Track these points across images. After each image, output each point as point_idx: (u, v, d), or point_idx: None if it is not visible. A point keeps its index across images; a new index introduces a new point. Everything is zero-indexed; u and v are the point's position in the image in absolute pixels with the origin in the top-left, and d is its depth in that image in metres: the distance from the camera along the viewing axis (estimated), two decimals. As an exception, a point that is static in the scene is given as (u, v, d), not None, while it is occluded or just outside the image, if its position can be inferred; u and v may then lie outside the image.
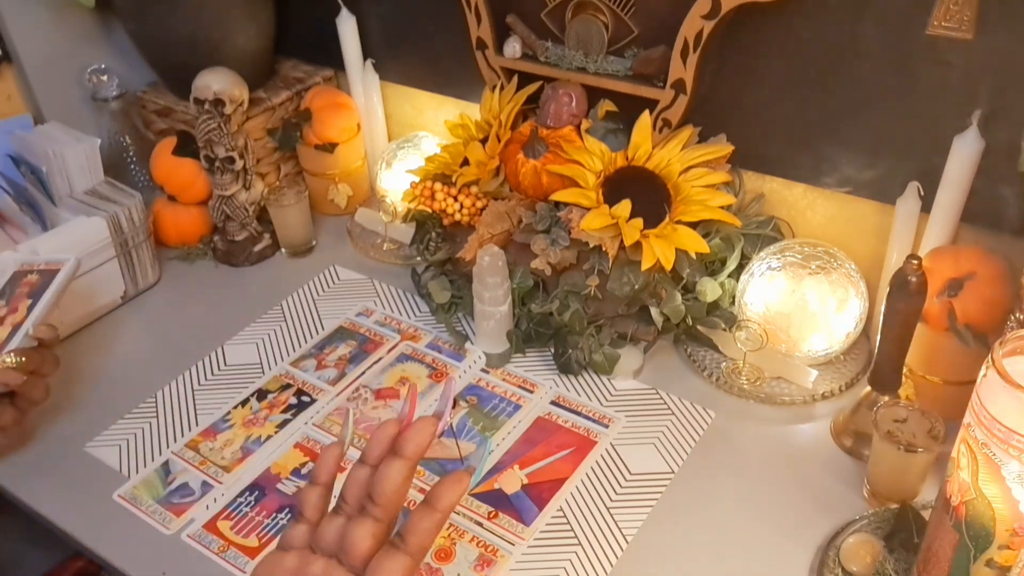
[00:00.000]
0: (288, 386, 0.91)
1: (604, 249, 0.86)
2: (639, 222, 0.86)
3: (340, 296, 1.06)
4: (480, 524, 0.75)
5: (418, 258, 1.05)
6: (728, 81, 0.90)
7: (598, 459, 0.81)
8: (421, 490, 0.78)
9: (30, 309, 0.83)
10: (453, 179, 1.00)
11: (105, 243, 1.00)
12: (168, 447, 0.85)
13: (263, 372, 0.94)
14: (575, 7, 0.94)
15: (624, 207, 0.87)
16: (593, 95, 0.96)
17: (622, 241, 0.86)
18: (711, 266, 0.91)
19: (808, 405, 0.86)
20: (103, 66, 1.16)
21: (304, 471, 0.81)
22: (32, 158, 1.04)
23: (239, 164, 1.07)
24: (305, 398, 0.90)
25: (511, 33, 0.99)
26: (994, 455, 0.52)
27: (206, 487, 0.81)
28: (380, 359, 0.94)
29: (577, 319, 0.89)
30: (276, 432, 0.86)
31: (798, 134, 0.89)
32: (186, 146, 1.10)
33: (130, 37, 1.13)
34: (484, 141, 1.00)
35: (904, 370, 0.77)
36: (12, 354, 0.79)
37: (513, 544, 0.73)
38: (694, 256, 0.87)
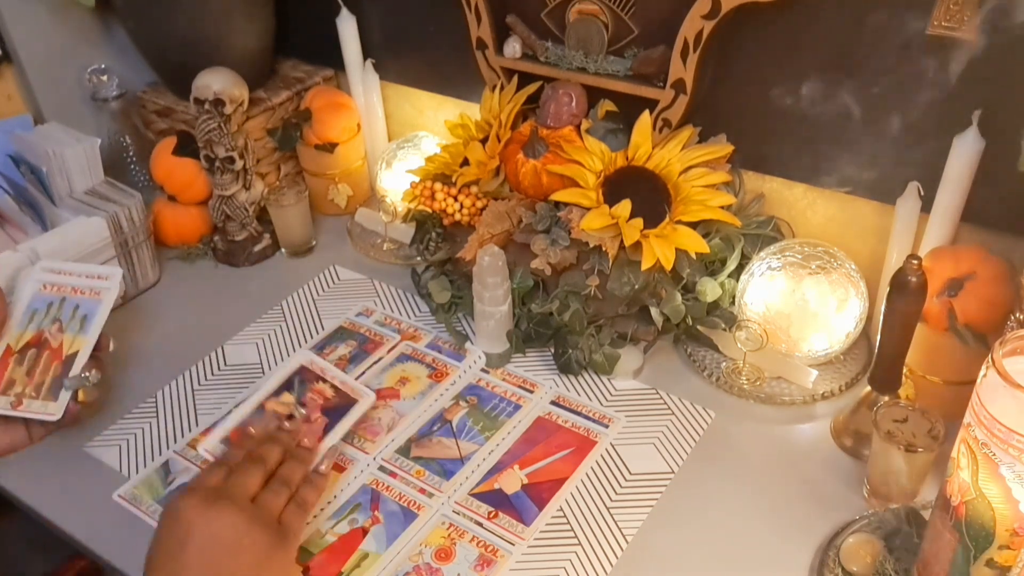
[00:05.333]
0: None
1: (604, 249, 0.86)
2: (639, 222, 0.86)
3: (340, 296, 1.06)
4: (480, 524, 0.75)
5: (418, 258, 1.05)
6: (728, 81, 0.90)
7: (598, 459, 0.81)
8: (421, 490, 0.79)
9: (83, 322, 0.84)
10: (453, 179, 1.00)
11: (105, 243, 1.00)
12: (168, 447, 0.85)
13: (263, 372, 0.94)
14: (575, 7, 0.94)
15: (624, 207, 0.87)
16: (593, 95, 0.96)
17: (622, 241, 0.86)
18: (711, 266, 0.91)
19: (808, 405, 0.86)
20: (103, 66, 1.16)
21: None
22: (32, 158, 1.04)
23: (239, 164, 1.07)
24: (305, 398, 0.90)
25: (511, 33, 0.99)
26: (994, 455, 0.52)
27: (206, 487, 0.81)
28: (380, 359, 0.94)
29: (577, 319, 0.89)
30: (276, 432, 0.86)
31: (798, 134, 0.89)
32: (186, 146, 1.10)
33: (130, 37, 1.13)
34: (484, 141, 1.00)
35: (904, 370, 0.77)
36: (94, 370, 0.81)
37: (513, 544, 0.73)
38: (694, 256, 0.87)
